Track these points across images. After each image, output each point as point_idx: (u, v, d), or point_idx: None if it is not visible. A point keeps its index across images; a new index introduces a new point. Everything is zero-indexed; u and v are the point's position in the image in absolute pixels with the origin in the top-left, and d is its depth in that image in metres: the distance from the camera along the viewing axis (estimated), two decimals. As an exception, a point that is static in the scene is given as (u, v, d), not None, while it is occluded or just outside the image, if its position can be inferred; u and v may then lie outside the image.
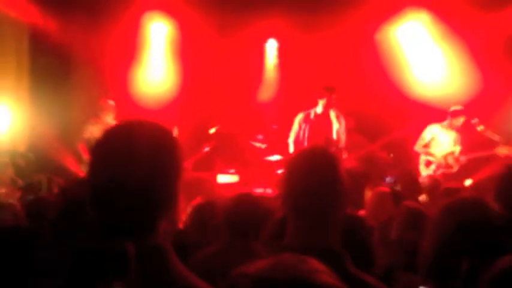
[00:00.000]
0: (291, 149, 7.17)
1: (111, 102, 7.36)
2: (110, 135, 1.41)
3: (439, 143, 7.29)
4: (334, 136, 6.97)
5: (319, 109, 7.02)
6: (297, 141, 7.09)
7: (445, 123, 7.27)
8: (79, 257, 1.11)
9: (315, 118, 7.03)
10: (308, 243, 1.66)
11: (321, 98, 6.93)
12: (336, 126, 6.96)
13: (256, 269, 0.99)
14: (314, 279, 0.94)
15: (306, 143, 6.93)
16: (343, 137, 7.04)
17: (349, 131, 7.42)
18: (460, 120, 7.14)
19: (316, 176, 1.73)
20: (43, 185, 4.30)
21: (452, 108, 7.21)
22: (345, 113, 7.32)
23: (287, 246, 1.68)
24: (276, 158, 8.03)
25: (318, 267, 0.98)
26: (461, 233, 1.80)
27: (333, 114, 6.99)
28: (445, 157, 7.21)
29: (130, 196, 1.32)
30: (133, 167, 1.33)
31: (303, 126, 7.06)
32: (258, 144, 8.27)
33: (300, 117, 7.14)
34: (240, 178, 8.26)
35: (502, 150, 6.83)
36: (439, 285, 1.78)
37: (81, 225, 2.22)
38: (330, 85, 6.97)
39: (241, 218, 2.75)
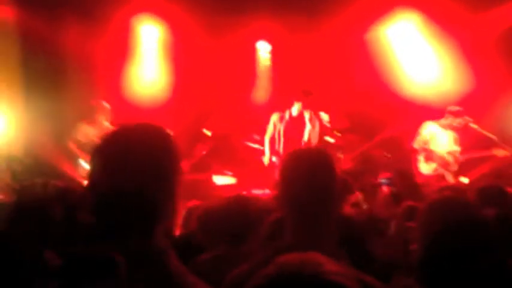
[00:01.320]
0: (267, 148, 7.36)
1: (106, 104, 7.34)
2: (110, 139, 1.41)
3: (438, 141, 7.23)
4: (305, 138, 7.08)
5: (294, 111, 7.15)
6: (272, 141, 7.27)
7: (443, 122, 7.20)
8: (68, 262, 1.12)
9: (289, 119, 7.18)
10: (305, 243, 1.66)
11: (297, 100, 7.08)
12: (308, 127, 7.08)
13: (274, 268, 0.99)
14: (334, 280, 0.96)
15: (280, 144, 7.15)
16: (314, 139, 7.17)
17: (343, 131, 7.48)
18: (459, 121, 7.10)
19: (313, 176, 1.74)
20: (38, 189, 4.26)
21: (453, 108, 7.16)
22: (339, 113, 7.38)
23: (285, 246, 1.69)
24: (272, 158, 8.02)
25: (335, 269, 0.99)
26: (446, 233, 1.82)
27: (307, 116, 7.10)
28: (446, 156, 7.21)
29: (130, 201, 1.33)
30: (133, 171, 1.33)
31: (278, 126, 7.21)
32: (254, 145, 8.26)
33: (275, 117, 7.27)
34: (237, 179, 8.24)
35: (500, 152, 6.88)
36: None
37: (79, 229, 2.24)
38: (306, 88, 7.11)
39: (232, 221, 2.61)
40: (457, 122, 7.12)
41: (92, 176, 1.39)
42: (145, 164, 1.35)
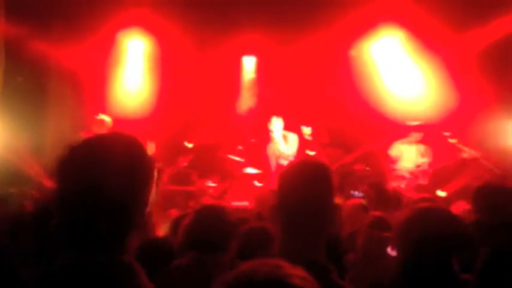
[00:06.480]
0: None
1: (106, 117, 7.25)
2: (79, 146, 1.38)
3: (406, 157, 7.49)
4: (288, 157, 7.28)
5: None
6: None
7: (407, 139, 7.52)
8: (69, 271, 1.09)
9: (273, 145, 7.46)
10: (295, 255, 1.65)
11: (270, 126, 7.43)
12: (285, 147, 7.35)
13: (234, 272, 1.00)
14: (288, 281, 0.96)
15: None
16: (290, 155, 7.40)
17: (323, 145, 7.56)
18: (421, 134, 7.43)
19: (310, 189, 1.73)
20: (12, 199, 4.16)
21: (415, 122, 7.48)
22: (320, 126, 7.48)
23: (272, 255, 1.67)
24: (253, 171, 8.03)
25: (293, 272, 0.99)
26: (427, 243, 1.83)
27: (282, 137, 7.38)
28: (412, 169, 7.33)
29: (95, 207, 1.29)
30: (101, 177, 1.30)
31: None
32: (235, 158, 8.26)
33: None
34: (217, 191, 8.20)
35: (466, 154, 7.01)
36: None
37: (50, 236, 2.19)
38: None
39: (204, 231, 2.62)
40: (419, 135, 7.41)
41: (58, 179, 1.35)
42: (116, 170, 1.32)
